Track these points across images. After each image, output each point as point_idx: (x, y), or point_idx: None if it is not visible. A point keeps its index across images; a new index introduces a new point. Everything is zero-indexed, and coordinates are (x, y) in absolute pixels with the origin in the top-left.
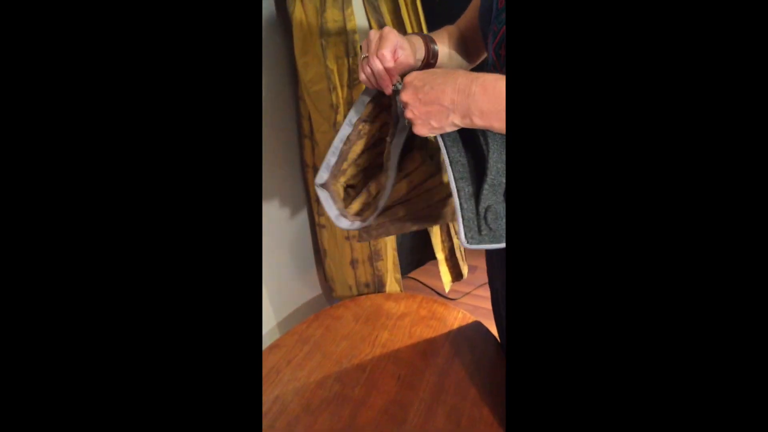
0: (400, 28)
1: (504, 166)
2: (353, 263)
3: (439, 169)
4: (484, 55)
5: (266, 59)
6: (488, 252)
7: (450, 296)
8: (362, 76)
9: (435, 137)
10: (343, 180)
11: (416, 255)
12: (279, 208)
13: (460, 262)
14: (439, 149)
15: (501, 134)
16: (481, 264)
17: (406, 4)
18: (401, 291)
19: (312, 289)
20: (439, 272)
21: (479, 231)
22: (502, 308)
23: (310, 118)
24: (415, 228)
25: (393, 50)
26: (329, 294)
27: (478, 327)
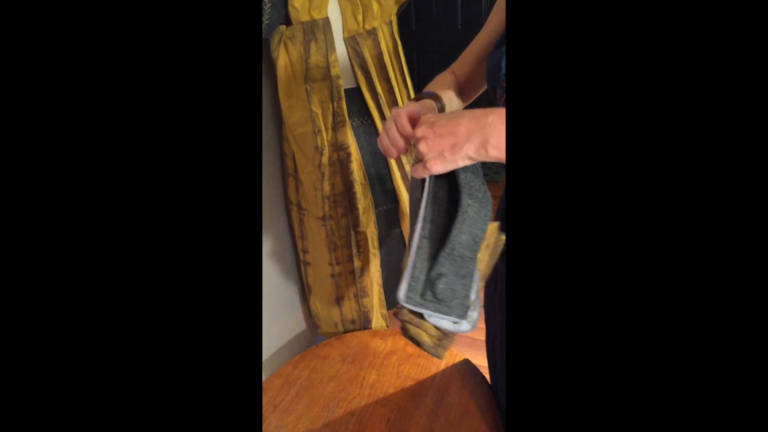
0: (383, 72)
1: (478, 242)
2: (339, 300)
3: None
4: (475, 96)
5: None
6: (488, 289)
7: None
8: (379, 141)
9: (422, 192)
10: None
11: None
12: (264, 245)
13: None
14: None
15: (486, 206)
16: None
17: (389, 51)
18: (387, 326)
19: (297, 326)
20: None
21: (422, 295)
22: (498, 352)
23: (294, 158)
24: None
25: (411, 115)
26: (314, 330)
27: (466, 365)
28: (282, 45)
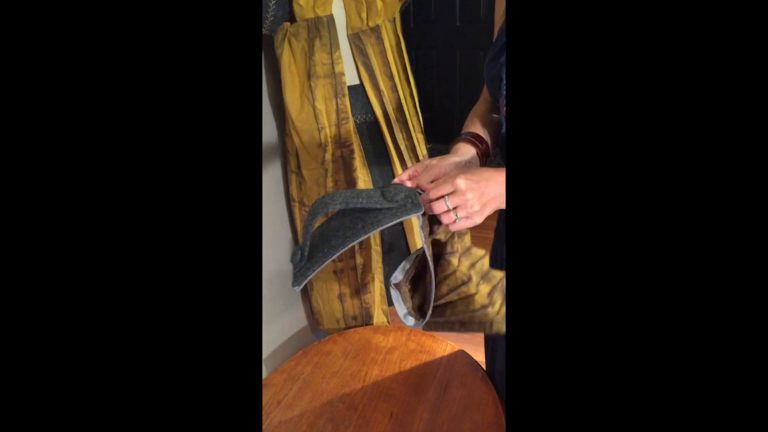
0: (386, 69)
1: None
2: (341, 297)
3: (470, 278)
4: None
5: None
6: None
7: None
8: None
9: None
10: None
11: None
12: (265, 242)
13: None
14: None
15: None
16: None
17: (392, 48)
18: (388, 322)
19: (298, 322)
20: None
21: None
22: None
23: (297, 155)
24: (464, 331)
25: (432, 179)
26: (316, 326)
27: (465, 358)
28: (286, 42)
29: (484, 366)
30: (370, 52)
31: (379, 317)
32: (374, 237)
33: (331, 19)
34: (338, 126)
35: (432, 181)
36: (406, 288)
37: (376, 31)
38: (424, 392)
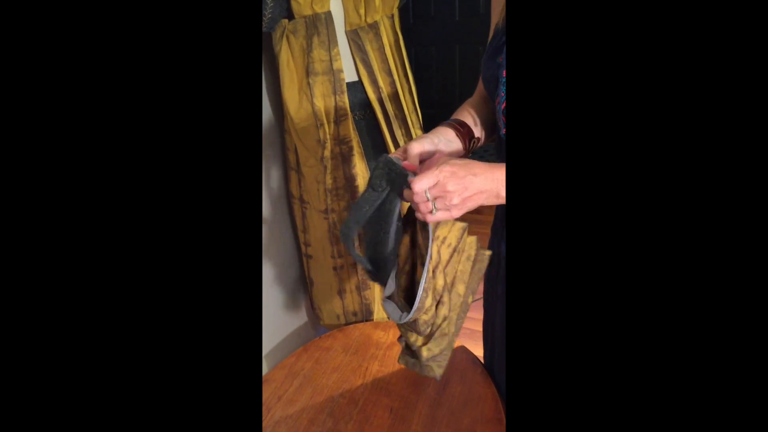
0: (385, 66)
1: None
2: (341, 293)
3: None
4: None
5: None
6: (488, 275)
7: None
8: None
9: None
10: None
11: None
12: (265, 238)
13: None
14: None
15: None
16: None
17: (390, 44)
18: (388, 318)
19: (299, 318)
20: None
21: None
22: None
23: (296, 152)
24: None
25: (419, 157)
26: (316, 322)
27: (466, 355)
28: (284, 39)
29: (483, 361)
30: (369, 48)
31: (379, 313)
32: None
33: (329, 15)
34: (337, 123)
35: (421, 161)
36: (399, 297)
37: (374, 27)
38: (424, 387)
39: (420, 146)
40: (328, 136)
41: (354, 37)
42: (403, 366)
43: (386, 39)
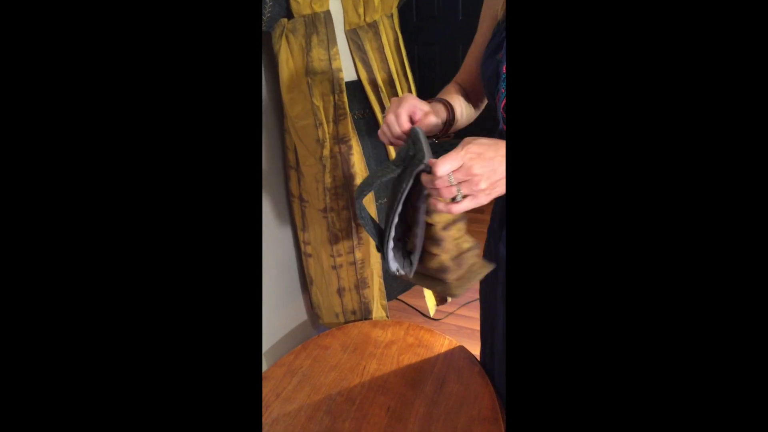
0: (384, 65)
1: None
2: (340, 291)
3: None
4: (485, 102)
5: None
6: (487, 276)
7: (434, 317)
8: (380, 132)
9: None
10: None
11: (402, 281)
12: (265, 237)
13: None
14: None
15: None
16: None
17: (389, 43)
18: (387, 317)
19: (298, 316)
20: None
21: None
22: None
23: (296, 151)
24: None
25: (410, 111)
26: (315, 320)
27: (464, 354)
28: (283, 38)
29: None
30: (368, 47)
31: (377, 312)
32: None
33: (328, 15)
34: (336, 122)
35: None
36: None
37: (373, 26)
38: (422, 386)
39: (414, 104)
40: (327, 136)
41: (353, 36)
42: (400, 365)
43: (386, 38)
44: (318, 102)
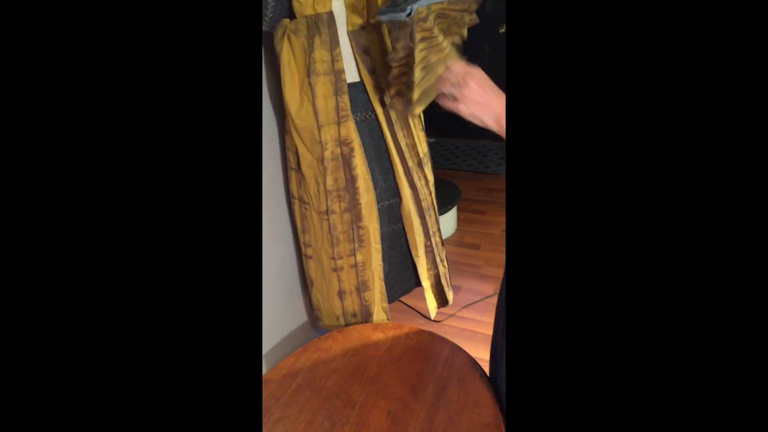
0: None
1: None
2: (341, 294)
3: None
4: None
5: None
6: (503, 284)
7: (435, 319)
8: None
9: None
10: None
11: (403, 283)
12: (265, 238)
13: (446, 289)
14: None
15: None
16: (465, 284)
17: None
18: (388, 320)
19: (298, 318)
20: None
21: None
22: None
23: (297, 152)
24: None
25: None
26: (315, 322)
27: (466, 359)
28: (285, 38)
29: (482, 363)
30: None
31: (378, 315)
32: (374, 235)
33: (330, 15)
34: (338, 124)
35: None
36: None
37: (376, 27)
38: (423, 391)
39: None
40: (329, 137)
41: (356, 37)
42: (401, 369)
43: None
44: (320, 104)
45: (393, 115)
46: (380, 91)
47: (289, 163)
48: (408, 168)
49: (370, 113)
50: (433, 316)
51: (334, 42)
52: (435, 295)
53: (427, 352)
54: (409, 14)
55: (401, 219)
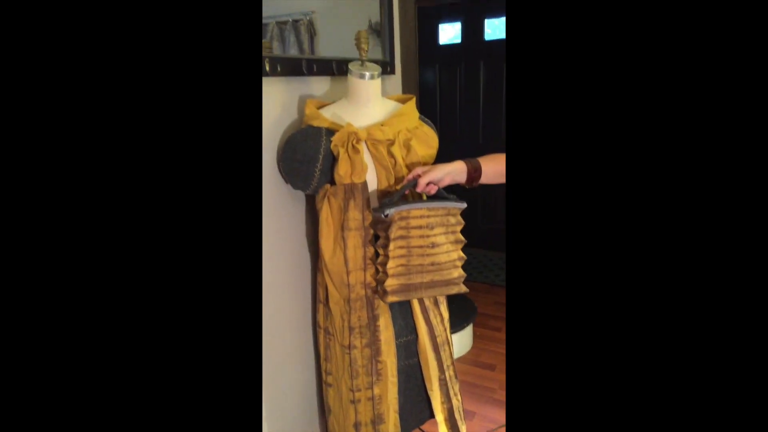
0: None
1: None
2: (357, 426)
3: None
4: None
5: (290, 230)
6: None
7: None
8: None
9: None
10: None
11: (417, 415)
12: (288, 364)
13: (459, 422)
14: None
15: None
16: (480, 410)
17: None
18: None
19: None
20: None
21: None
22: None
23: (326, 289)
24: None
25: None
26: None
27: None
28: (326, 200)
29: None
30: None
31: None
32: (391, 369)
33: (364, 185)
34: (364, 270)
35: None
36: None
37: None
38: None
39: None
40: (356, 281)
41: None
42: None
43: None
44: (350, 253)
45: None
46: None
47: (318, 297)
48: (425, 307)
49: None
50: None
51: (366, 205)
52: (448, 429)
53: None
54: (386, 216)
55: (417, 354)
